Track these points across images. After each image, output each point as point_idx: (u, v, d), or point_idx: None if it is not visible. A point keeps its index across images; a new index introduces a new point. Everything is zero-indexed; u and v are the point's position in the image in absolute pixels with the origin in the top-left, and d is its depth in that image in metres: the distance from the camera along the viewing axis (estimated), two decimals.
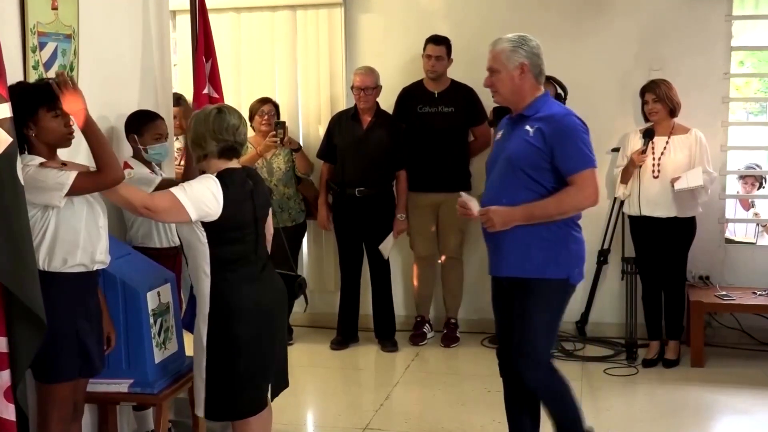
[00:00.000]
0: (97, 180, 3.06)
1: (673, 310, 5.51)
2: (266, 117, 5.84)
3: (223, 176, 3.24)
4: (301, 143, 6.11)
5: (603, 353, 5.73)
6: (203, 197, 3.15)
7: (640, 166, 5.35)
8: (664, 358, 5.48)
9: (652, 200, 5.32)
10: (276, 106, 5.99)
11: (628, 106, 5.95)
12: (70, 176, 3.01)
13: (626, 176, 5.43)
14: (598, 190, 3.49)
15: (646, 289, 5.59)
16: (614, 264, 5.96)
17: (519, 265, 3.52)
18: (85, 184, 3.03)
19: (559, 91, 5.52)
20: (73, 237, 3.10)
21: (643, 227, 5.44)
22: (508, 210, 3.48)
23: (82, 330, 3.14)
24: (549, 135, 3.45)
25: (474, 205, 3.59)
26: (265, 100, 5.94)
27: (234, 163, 3.33)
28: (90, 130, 3.04)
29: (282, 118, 5.94)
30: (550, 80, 5.43)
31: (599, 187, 3.51)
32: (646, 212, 5.34)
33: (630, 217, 5.54)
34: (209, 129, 3.26)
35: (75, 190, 3.02)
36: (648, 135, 5.36)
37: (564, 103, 5.43)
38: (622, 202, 5.73)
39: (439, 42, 5.85)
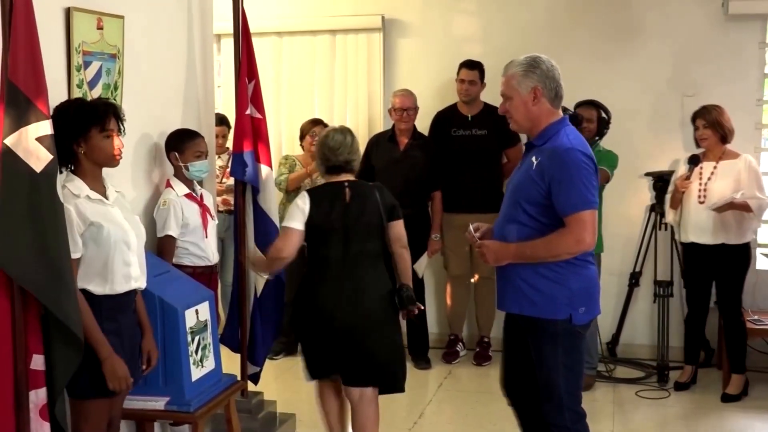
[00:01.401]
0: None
1: (734, 343, 5.10)
2: (316, 138, 5.69)
3: (313, 191, 3.84)
4: None
5: (634, 375, 5.51)
6: (294, 213, 3.73)
7: (683, 192, 5.08)
8: (725, 392, 5.07)
9: (698, 226, 5.01)
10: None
11: (661, 131, 5.75)
12: (77, 251, 2.86)
13: (675, 202, 5.16)
14: (595, 234, 3.04)
15: (690, 313, 5.27)
16: (646, 286, 5.73)
17: (516, 302, 3.18)
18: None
19: (603, 115, 5.28)
20: (102, 261, 2.94)
21: (692, 253, 5.15)
22: (501, 246, 3.15)
23: (114, 347, 2.95)
24: (547, 170, 3.06)
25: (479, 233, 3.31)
26: (316, 122, 5.84)
27: (341, 177, 3.82)
28: None
29: None
30: (594, 104, 5.23)
31: (596, 229, 3.05)
32: (693, 238, 5.05)
33: (681, 243, 5.27)
34: (318, 152, 3.88)
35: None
36: (692, 161, 5.09)
37: (608, 127, 5.24)
38: (654, 225, 5.53)
39: (472, 67, 5.71)
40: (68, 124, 2.82)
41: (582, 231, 3.01)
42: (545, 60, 3.18)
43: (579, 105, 5.22)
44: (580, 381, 3.26)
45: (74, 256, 2.84)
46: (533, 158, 3.15)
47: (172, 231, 3.83)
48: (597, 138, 5.23)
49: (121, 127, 3.04)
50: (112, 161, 3.02)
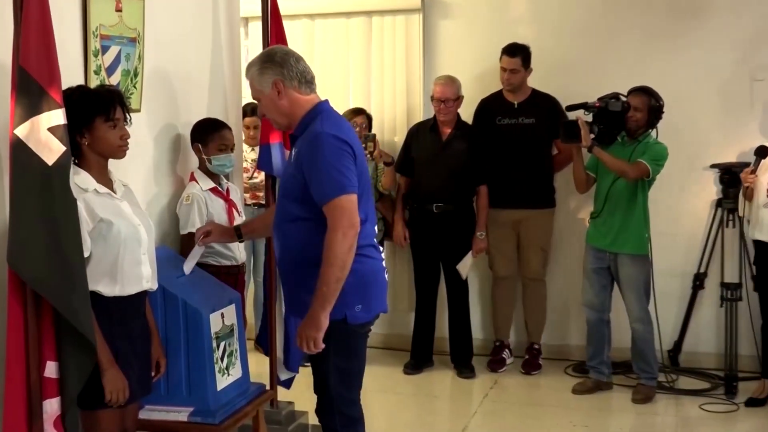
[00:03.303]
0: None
1: None
2: (357, 129, 5.66)
3: None
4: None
5: (699, 386, 5.39)
6: None
7: (748, 187, 4.93)
8: None
9: (763, 223, 4.87)
10: (369, 118, 5.87)
11: (728, 119, 5.62)
12: (86, 249, 2.82)
13: (749, 194, 4.99)
14: (356, 217, 3.02)
15: (766, 320, 5.09)
16: (711, 289, 5.61)
17: (295, 307, 3.23)
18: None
19: (655, 102, 5.14)
20: (111, 260, 2.91)
21: (761, 252, 5.01)
22: (307, 320, 3.07)
23: (122, 353, 2.94)
24: (303, 160, 3.11)
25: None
26: (358, 111, 5.81)
27: None
28: None
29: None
30: (645, 91, 5.10)
31: (355, 213, 3.02)
32: (758, 236, 4.91)
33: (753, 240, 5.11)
34: None
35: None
36: (759, 153, 4.94)
37: (659, 117, 5.11)
38: (721, 222, 5.43)
39: (513, 53, 5.62)
40: (71, 114, 2.76)
41: (341, 218, 2.99)
42: (278, 50, 3.26)
43: (630, 92, 5.12)
44: (356, 383, 3.32)
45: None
46: (294, 151, 3.21)
47: (197, 227, 3.81)
48: (646, 128, 5.09)
49: (127, 115, 3.01)
50: (118, 152, 2.99)
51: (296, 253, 3.16)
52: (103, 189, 2.93)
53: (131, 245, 2.95)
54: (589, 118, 5.13)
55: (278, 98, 3.18)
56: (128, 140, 3.00)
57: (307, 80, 3.22)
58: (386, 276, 3.34)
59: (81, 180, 2.88)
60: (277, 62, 3.17)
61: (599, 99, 5.12)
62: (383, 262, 3.32)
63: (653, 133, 5.10)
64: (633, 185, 5.04)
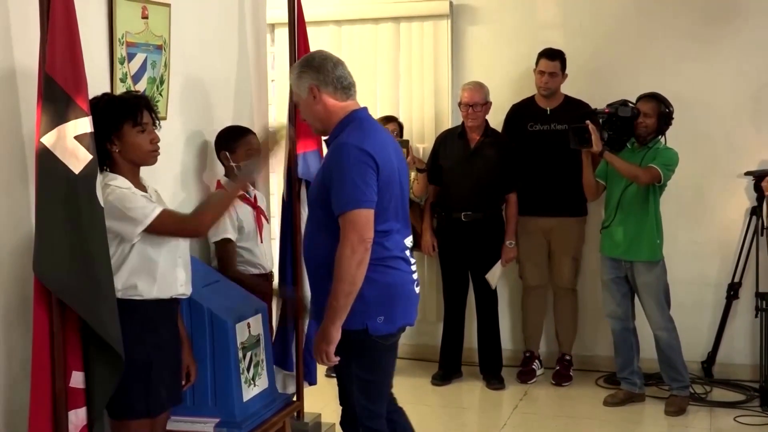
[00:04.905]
0: (181, 224, 2.97)
1: None
2: None
3: None
4: None
5: (733, 398, 5.32)
6: None
7: None
8: None
9: None
10: (400, 126, 5.88)
11: (762, 125, 5.56)
12: (156, 210, 2.87)
13: None
14: (368, 232, 3.02)
15: None
16: (746, 299, 5.54)
17: (319, 314, 3.18)
18: (166, 223, 2.90)
19: (665, 109, 5.07)
20: (148, 267, 2.93)
21: None
22: (318, 335, 3.10)
23: (154, 362, 2.95)
24: (326, 169, 3.18)
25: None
26: (389, 119, 5.81)
27: None
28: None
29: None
30: (655, 97, 5.05)
31: (368, 228, 3.02)
32: None
33: None
34: None
35: (154, 229, 2.87)
36: None
37: (669, 123, 5.06)
38: (755, 230, 5.36)
39: (553, 57, 5.60)
40: (99, 122, 2.78)
41: (351, 233, 3.00)
42: (317, 55, 3.27)
43: (640, 98, 5.09)
44: (379, 396, 3.29)
45: (159, 209, 2.89)
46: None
47: (229, 234, 3.81)
48: (656, 135, 5.04)
49: (156, 119, 3.01)
50: (149, 157, 3.00)
51: (321, 260, 3.16)
52: (139, 192, 2.94)
53: (168, 246, 2.97)
54: (599, 124, 5.10)
55: (314, 103, 3.20)
56: (158, 144, 3.00)
57: (343, 86, 3.22)
58: (416, 289, 3.31)
59: (119, 182, 2.90)
60: (314, 67, 3.20)
61: (608, 105, 5.10)
62: (414, 275, 3.29)
63: (662, 139, 5.06)
64: (644, 192, 5.00)
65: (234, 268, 3.84)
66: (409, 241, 3.29)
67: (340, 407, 3.32)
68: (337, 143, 3.13)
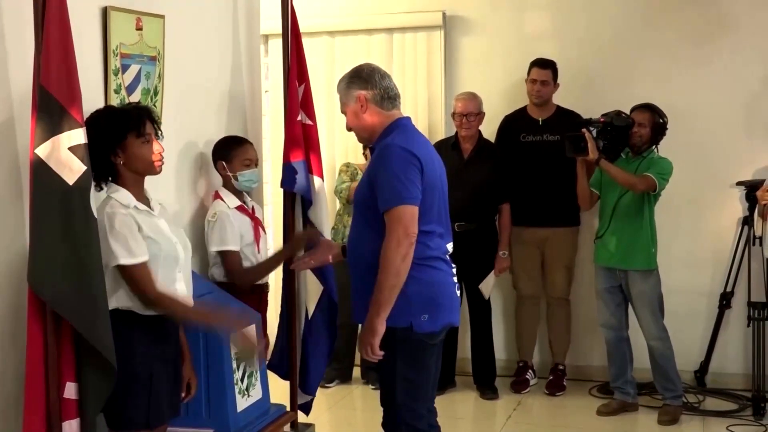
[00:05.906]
0: (145, 287, 2.85)
1: None
2: None
3: None
4: None
5: (726, 407, 5.33)
6: None
7: (765, 205, 4.90)
8: None
9: None
10: None
11: (755, 135, 5.58)
12: (141, 256, 2.84)
13: (765, 214, 4.99)
14: (412, 228, 3.12)
15: None
16: (738, 308, 5.56)
17: (363, 312, 3.23)
18: (135, 277, 2.84)
19: (659, 119, 5.11)
20: None
21: None
22: (364, 330, 3.20)
23: (155, 374, 2.95)
24: (371, 170, 3.29)
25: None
26: None
27: None
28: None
29: None
30: (649, 107, 5.08)
31: (413, 223, 3.12)
32: None
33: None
34: None
35: (124, 270, 2.83)
36: None
37: (663, 133, 5.09)
38: (747, 240, 5.36)
39: (545, 66, 5.62)
40: (102, 135, 2.81)
41: (397, 227, 3.10)
42: (365, 67, 3.42)
43: (634, 109, 5.12)
44: (422, 396, 3.36)
45: (142, 259, 2.84)
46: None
47: (233, 245, 3.82)
48: (650, 145, 5.07)
49: (158, 130, 3.02)
50: (153, 168, 3.00)
51: (367, 259, 3.22)
52: (142, 206, 2.94)
53: (170, 263, 2.96)
54: (593, 133, 5.11)
55: (361, 112, 3.34)
56: (162, 154, 3.01)
57: (389, 96, 3.35)
58: (457, 291, 3.41)
59: (122, 197, 2.89)
60: (363, 78, 3.35)
61: (603, 115, 5.13)
62: (454, 278, 3.39)
63: (656, 149, 5.08)
64: (639, 201, 5.02)
65: (243, 276, 3.86)
66: (450, 247, 3.38)
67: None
68: (382, 145, 3.26)
